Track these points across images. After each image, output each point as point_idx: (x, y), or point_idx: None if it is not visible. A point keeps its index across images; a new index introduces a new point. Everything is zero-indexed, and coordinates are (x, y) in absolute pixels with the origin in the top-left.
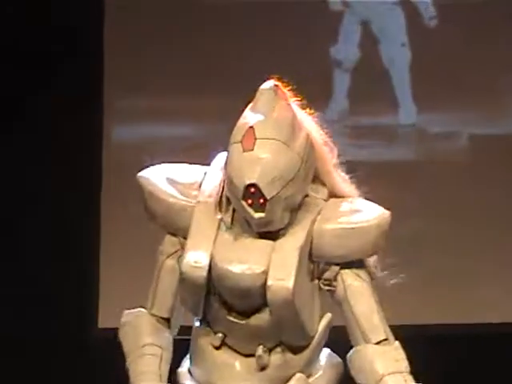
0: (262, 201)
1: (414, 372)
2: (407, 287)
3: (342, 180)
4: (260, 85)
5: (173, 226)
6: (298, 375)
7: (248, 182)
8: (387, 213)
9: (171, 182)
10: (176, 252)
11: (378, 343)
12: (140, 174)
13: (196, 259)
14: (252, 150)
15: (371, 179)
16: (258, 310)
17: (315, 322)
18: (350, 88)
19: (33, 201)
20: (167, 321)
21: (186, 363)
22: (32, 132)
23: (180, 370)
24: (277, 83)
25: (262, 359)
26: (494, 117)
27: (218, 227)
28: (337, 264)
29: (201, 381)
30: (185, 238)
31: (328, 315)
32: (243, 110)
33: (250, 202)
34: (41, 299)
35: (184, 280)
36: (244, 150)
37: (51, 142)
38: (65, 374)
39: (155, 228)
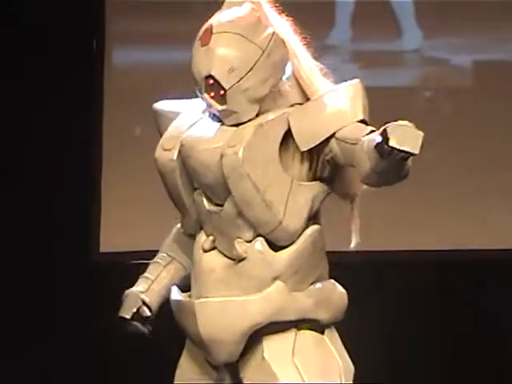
0: (222, 92)
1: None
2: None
3: (321, 81)
4: None
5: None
6: (278, 282)
7: (205, 74)
8: (355, 80)
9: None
10: None
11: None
12: (154, 104)
13: (167, 144)
14: (207, 44)
15: (375, 106)
16: (228, 196)
17: (292, 214)
18: (352, 14)
19: (33, 130)
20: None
21: None
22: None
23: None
24: None
25: (236, 250)
26: (499, 42)
27: (198, 121)
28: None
29: (193, 295)
30: None
31: (317, 226)
32: None
33: (212, 94)
34: (43, 224)
35: (159, 167)
36: (201, 45)
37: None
38: (67, 299)
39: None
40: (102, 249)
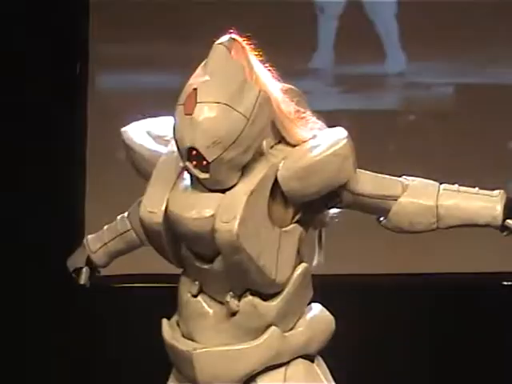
0: (204, 163)
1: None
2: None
3: (303, 128)
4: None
5: (148, 176)
6: (272, 328)
7: (188, 146)
8: (342, 138)
9: (148, 134)
10: None
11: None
12: (122, 128)
13: (151, 206)
14: (191, 114)
15: (356, 129)
16: (218, 254)
17: (283, 268)
18: (336, 37)
19: (21, 150)
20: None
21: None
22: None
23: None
24: (234, 37)
25: (229, 305)
26: (482, 66)
27: (179, 176)
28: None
29: (183, 331)
30: None
31: (303, 265)
32: None
33: (194, 163)
34: (21, 245)
35: (144, 227)
36: (185, 113)
37: (35, 92)
38: (45, 320)
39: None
40: None
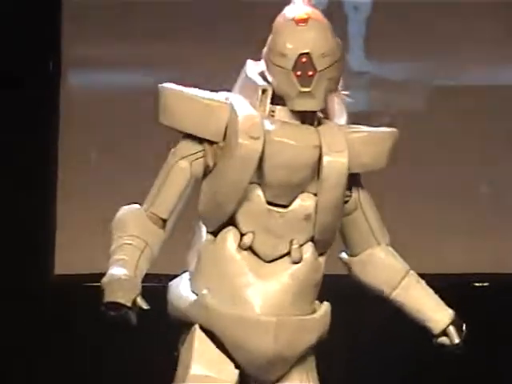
0: (310, 73)
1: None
2: None
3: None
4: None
5: (203, 127)
6: (327, 303)
7: (302, 51)
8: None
9: (199, 92)
10: (193, 155)
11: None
12: (163, 85)
13: (252, 132)
14: (306, 24)
15: None
16: (295, 199)
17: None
18: None
19: None
20: (163, 222)
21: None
22: None
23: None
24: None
25: (296, 252)
26: (451, 67)
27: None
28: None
29: (221, 294)
30: (211, 142)
31: None
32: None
33: (298, 73)
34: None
35: (238, 156)
36: (298, 25)
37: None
38: (20, 322)
39: (116, 176)
40: (57, 271)
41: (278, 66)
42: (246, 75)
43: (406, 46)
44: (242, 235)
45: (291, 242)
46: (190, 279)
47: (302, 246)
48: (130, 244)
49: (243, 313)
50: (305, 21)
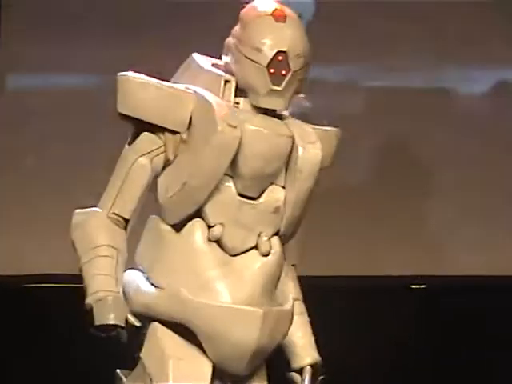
0: (284, 72)
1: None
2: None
3: None
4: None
5: (166, 116)
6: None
7: (280, 49)
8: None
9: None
10: (153, 151)
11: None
12: (123, 73)
13: (230, 120)
14: (285, 21)
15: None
16: (264, 192)
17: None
18: None
19: None
20: (126, 222)
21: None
22: None
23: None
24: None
25: (266, 245)
26: (389, 69)
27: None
28: None
29: (190, 286)
30: (174, 133)
31: None
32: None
33: (272, 71)
34: None
35: (218, 144)
36: (276, 21)
37: None
38: None
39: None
40: None
41: (250, 59)
42: (200, 66)
43: (338, 48)
44: (209, 227)
45: (259, 235)
46: (145, 273)
47: (269, 239)
48: (105, 256)
49: (227, 303)
50: (284, 18)
